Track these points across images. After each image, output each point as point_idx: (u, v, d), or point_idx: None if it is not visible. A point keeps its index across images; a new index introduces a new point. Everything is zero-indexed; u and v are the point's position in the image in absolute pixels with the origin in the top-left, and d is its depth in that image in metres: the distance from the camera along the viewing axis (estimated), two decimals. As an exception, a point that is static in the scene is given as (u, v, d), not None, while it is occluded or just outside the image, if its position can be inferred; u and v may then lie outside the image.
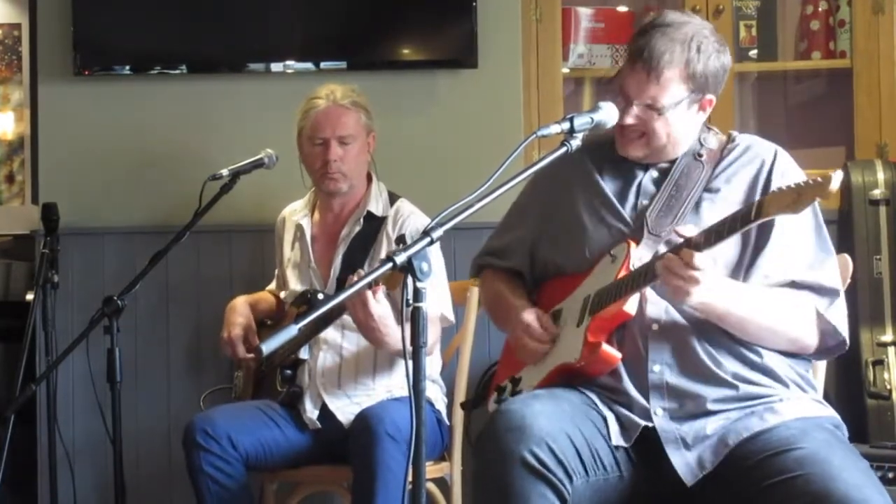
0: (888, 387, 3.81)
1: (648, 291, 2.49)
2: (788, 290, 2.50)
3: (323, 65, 4.07)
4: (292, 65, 4.08)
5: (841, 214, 3.99)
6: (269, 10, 4.04)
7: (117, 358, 3.28)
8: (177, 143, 4.10)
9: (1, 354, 4.26)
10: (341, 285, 3.38)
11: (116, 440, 3.29)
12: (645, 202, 2.61)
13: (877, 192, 3.96)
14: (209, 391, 3.66)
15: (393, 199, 3.52)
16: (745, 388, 2.48)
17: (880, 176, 3.98)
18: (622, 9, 4.36)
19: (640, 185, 2.65)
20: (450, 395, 3.47)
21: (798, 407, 2.47)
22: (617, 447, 2.46)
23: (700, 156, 2.63)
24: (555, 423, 2.36)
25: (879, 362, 3.85)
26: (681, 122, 2.59)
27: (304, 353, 3.39)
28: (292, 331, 2.09)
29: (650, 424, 2.46)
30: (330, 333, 3.38)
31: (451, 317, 3.38)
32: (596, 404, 2.50)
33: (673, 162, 2.64)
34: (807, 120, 4.54)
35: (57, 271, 3.75)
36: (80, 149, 4.10)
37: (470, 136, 4.06)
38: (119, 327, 3.28)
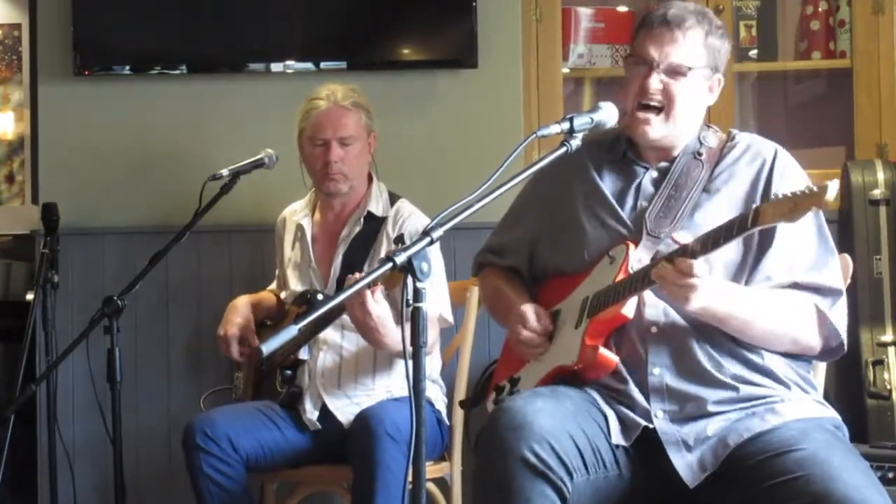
0: (888, 387, 3.81)
1: (647, 294, 2.49)
2: (791, 291, 2.50)
3: (323, 65, 4.07)
4: (292, 65, 4.08)
5: (841, 214, 3.98)
6: (269, 10, 4.04)
7: (117, 358, 3.28)
8: (177, 143, 4.10)
9: (1, 354, 4.26)
10: (341, 285, 3.37)
11: (116, 440, 3.29)
12: (644, 203, 2.61)
13: (877, 192, 3.96)
14: (209, 392, 3.65)
15: (393, 199, 3.52)
16: (745, 390, 2.47)
17: (880, 176, 3.98)
18: (622, 9, 4.36)
19: (639, 185, 2.64)
20: (450, 395, 3.47)
21: (799, 408, 2.47)
22: (617, 446, 2.46)
23: (700, 154, 2.63)
24: (556, 421, 2.36)
25: (879, 362, 3.84)
26: (696, 97, 2.59)
27: (303, 354, 3.39)
28: (292, 331, 2.09)
29: (651, 425, 2.46)
30: (330, 334, 3.38)
31: (450, 318, 3.37)
32: (597, 402, 2.50)
33: (672, 161, 2.64)
34: (807, 120, 4.54)
35: (57, 271, 3.75)
36: (80, 149, 4.10)
37: (470, 136, 4.06)
38: (119, 327, 3.28)
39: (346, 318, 3.26)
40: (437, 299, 3.29)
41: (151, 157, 4.10)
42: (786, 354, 2.53)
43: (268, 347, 2.08)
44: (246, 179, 3.56)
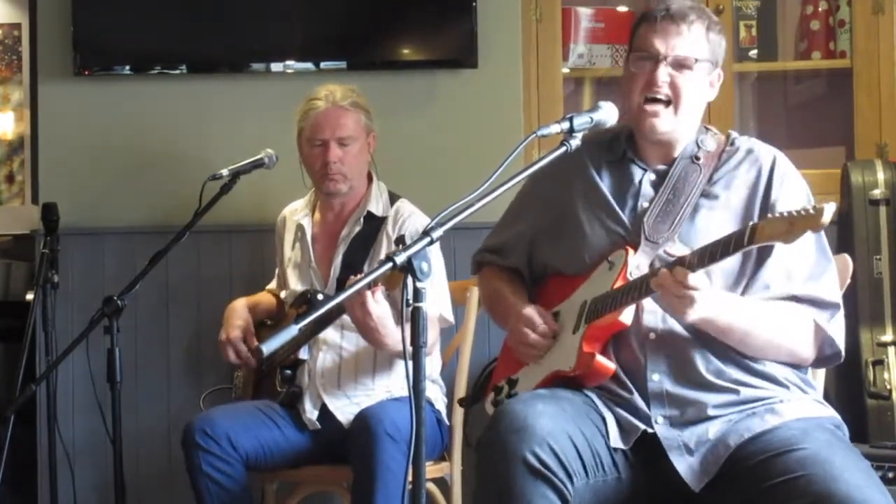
0: (888, 387, 3.81)
1: (646, 300, 2.48)
2: (788, 303, 2.49)
3: (323, 65, 4.07)
4: (292, 65, 4.08)
5: (841, 214, 3.98)
6: (269, 10, 4.04)
7: (117, 358, 3.28)
8: (177, 143, 4.10)
9: (1, 354, 4.26)
10: (341, 285, 3.37)
11: (116, 440, 3.29)
12: (644, 205, 2.61)
13: (877, 192, 3.96)
14: (209, 391, 3.66)
15: (393, 199, 3.52)
16: (745, 392, 2.47)
17: (880, 176, 3.98)
18: (622, 9, 4.36)
19: (638, 187, 2.64)
20: (450, 395, 3.47)
21: (799, 407, 2.47)
22: (616, 449, 2.45)
23: (697, 159, 2.62)
24: (557, 423, 2.36)
25: (879, 362, 3.84)
26: (700, 91, 2.59)
27: (303, 354, 3.39)
28: (292, 331, 2.09)
29: (650, 430, 2.46)
30: (330, 334, 3.38)
31: (451, 318, 3.38)
32: (596, 405, 2.50)
33: (670, 165, 2.63)
34: (807, 120, 4.54)
35: (57, 271, 3.75)
36: (80, 149, 4.10)
37: (470, 136, 4.06)
38: (119, 327, 3.28)
39: (346, 318, 3.26)
40: (437, 299, 3.29)
41: (151, 157, 4.10)
42: (781, 363, 2.53)
43: (268, 347, 2.08)
44: (246, 179, 3.56)
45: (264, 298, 3.63)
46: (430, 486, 3.42)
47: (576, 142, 2.39)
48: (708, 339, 2.49)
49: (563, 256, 2.69)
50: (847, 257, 2.74)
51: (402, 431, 3.05)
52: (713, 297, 2.38)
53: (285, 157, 3.58)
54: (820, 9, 4.30)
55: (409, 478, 2.26)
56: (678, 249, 2.40)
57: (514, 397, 2.57)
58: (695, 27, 2.57)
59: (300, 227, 3.53)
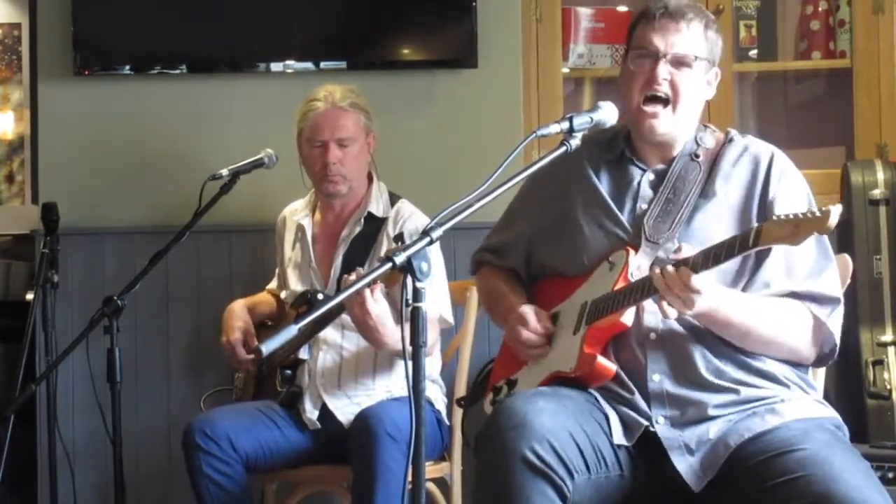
0: (888, 387, 3.81)
1: (646, 301, 2.49)
2: (789, 300, 2.49)
3: (323, 65, 4.07)
4: (292, 65, 4.08)
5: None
6: (269, 10, 4.04)
7: (117, 358, 3.28)
8: (177, 143, 4.10)
9: (1, 354, 4.26)
10: (341, 286, 3.37)
11: (116, 440, 3.29)
12: (643, 206, 2.60)
13: (877, 192, 3.96)
14: (209, 392, 3.65)
15: (394, 199, 3.51)
16: (746, 392, 2.47)
17: (880, 176, 3.98)
18: (622, 9, 4.36)
19: (637, 188, 2.64)
20: (450, 395, 3.47)
21: (799, 408, 2.47)
22: (619, 446, 2.45)
23: (697, 156, 2.62)
24: (557, 420, 2.35)
25: (879, 362, 3.84)
26: (698, 89, 2.60)
27: (303, 354, 3.39)
28: (292, 331, 2.09)
29: (652, 428, 2.46)
30: (330, 333, 3.38)
31: (451, 318, 3.37)
32: (598, 402, 2.49)
33: (670, 164, 2.63)
34: (807, 120, 4.54)
35: (57, 271, 3.75)
36: (80, 149, 4.10)
37: (470, 136, 4.06)
38: (119, 327, 3.27)
39: (346, 317, 3.26)
40: (437, 299, 3.29)
41: (151, 157, 4.10)
42: (782, 361, 2.53)
43: (268, 347, 2.08)
44: (246, 179, 3.56)
45: (263, 299, 3.63)
46: (430, 486, 3.42)
47: (576, 142, 2.38)
48: (708, 338, 2.49)
49: (562, 258, 2.69)
50: (847, 257, 2.74)
51: (402, 431, 3.05)
52: (712, 292, 2.37)
53: (285, 157, 3.58)
54: (820, 9, 4.30)
55: (409, 478, 2.26)
56: (686, 250, 2.39)
57: (516, 393, 2.57)
58: (693, 25, 2.57)
59: (300, 228, 3.53)
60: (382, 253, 3.37)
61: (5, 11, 4.40)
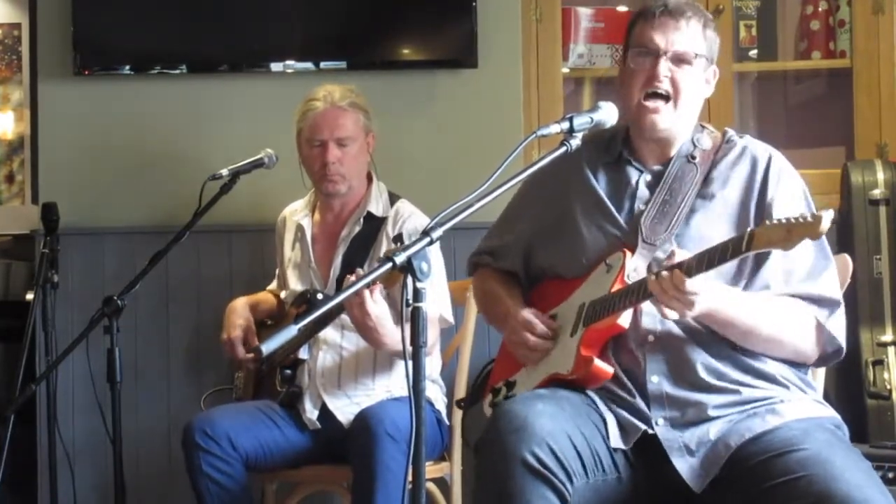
0: (888, 387, 3.81)
1: (644, 303, 2.48)
2: (791, 299, 2.49)
3: (323, 65, 4.07)
4: (292, 65, 4.08)
5: (841, 214, 3.99)
6: (269, 10, 4.04)
7: (117, 358, 3.28)
8: (177, 143, 4.10)
9: (1, 354, 4.26)
10: (341, 286, 3.37)
11: (116, 440, 3.29)
12: (641, 207, 2.60)
13: (877, 192, 3.96)
14: (210, 392, 3.66)
15: (393, 199, 3.51)
16: (745, 392, 2.47)
17: (880, 176, 3.98)
18: (622, 9, 4.36)
19: (635, 189, 2.64)
20: (449, 395, 3.47)
21: (799, 408, 2.47)
22: (616, 449, 2.45)
23: (693, 158, 2.62)
24: (556, 423, 2.35)
25: (879, 362, 3.84)
26: (698, 87, 2.60)
27: (303, 353, 3.39)
28: (292, 331, 2.09)
29: (651, 431, 2.46)
30: (330, 333, 3.38)
31: (451, 318, 3.37)
32: (596, 405, 2.49)
33: (666, 165, 2.63)
34: (807, 120, 4.54)
35: (57, 271, 3.75)
36: (80, 149, 4.10)
37: (470, 136, 4.06)
38: (119, 327, 3.27)
39: (346, 317, 3.26)
40: (437, 299, 3.29)
41: (151, 157, 4.10)
42: (783, 360, 2.53)
43: (268, 347, 2.08)
44: (245, 179, 3.56)
45: (265, 298, 3.64)
46: (430, 486, 3.42)
47: (576, 142, 2.38)
48: (707, 340, 2.49)
49: (560, 259, 2.69)
50: (847, 257, 2.74)
51: (402, 431, 3.05)
52: (713, 291, 2.37)
53: (285, 156, 3.58)
54: (820, 9, 4.30)
55: (409, 478, 2.26)
56: (676, 253, 2.39)
57: (514, 397, 2.57)
58: (692, 23, 2.58)
59: (300, 228, 3.53)
60: (382, 253, 3.37)
61: (5, 11, 4.40)
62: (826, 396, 2.65)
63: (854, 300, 3.81)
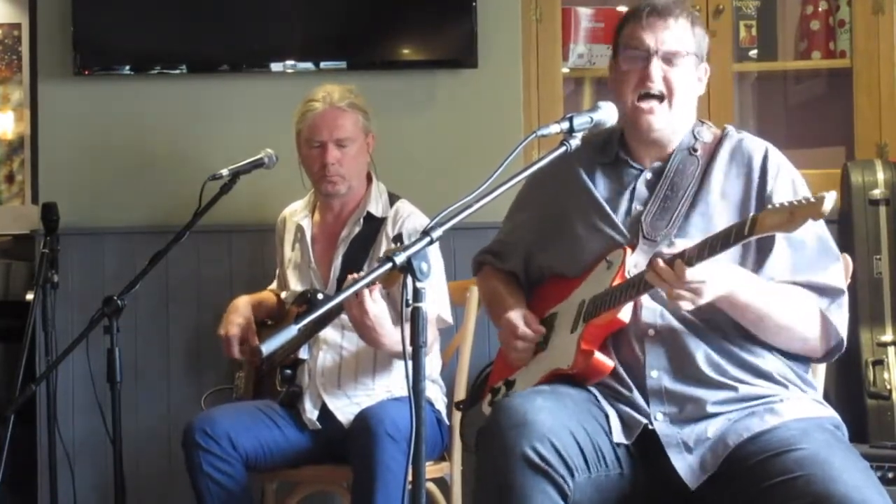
0: (888, 387, 3.81)
1: (644, 297, 2.48)
2: (796, 287, 2.49)
3: (323, 65, 4.07)
4: (292, 65, 4.08)
5: (841, 214, 3.99)
6: (269, 10, 4.04)
7: (117, 358, 3.28)
8: (177, 143, 4.10)
9: (1, 354, 4.26)
10: (341, 286, 3.37)
11: (116, 440, 3.29)
12: (639, 207, 2.61)
13: (877, 192, 3.96)
14: (210, 391, 3.65)
15: (393, 199, 3.51)
16: (744, 389, 2.47)
17: (880, 176, 3.98)
18: (622, 9, 4.35)
19: (633, 189, 2.64)
20: (450, 395, 3.47)
21: (798, 407, 2.47)
22: (618, 444, 2.45)
23: (695, 150, 2.63)
24: (557, 418, 2.36)
25: (879, 362, 3.84)
26: (690, 85, 2.61)
27: (303, 353, 3.39)
28: (292, 331, 2.09)
29: (651, 426, 2.46)
30: (330, 333, 3.38)
31: (449, 318, 3.37)
32: (598, 400, 2.49)
33: (667, 161, 2.63)
34: (807, 120, 4.54)
35: (57, 271, 3.75)
36: (80, 149, 4.10)
37: (470, 136, 4.06)
38: (119, 327, 3.27)
39: (345, 317, 3.26)
40: (436, 299, 3.29)
41: (151, 157, 4.10)
42: (787, 354, 2.53)
43: (267, 347, 2.08)
44: (245, 179, 3.56)
45: (267, 297, 3.63)
46: (430, 486, 3.42)
47: (576, 142, 2.39)
48: (707, 335, 2.49)
49: (559, 260, 2.69)
50: (847, 257, 2.74)
51: (402, 431, 3.05)
52: (722, 275, 2.36)
53: (285, 157, 3.58)
54: (820, 9, 4.30)
55: (409, 478, 2.26)
56: (678, 244, 2.39)
57: (515, 392, 2.57)
58: (680, 21, 2.59)
59: (300, 228, 3.53)
60: (382, 253, 3.37)
61: (5, 11, 4.40)
62: (826, 396, 2.65)
63: (854, 300, 3.80)
